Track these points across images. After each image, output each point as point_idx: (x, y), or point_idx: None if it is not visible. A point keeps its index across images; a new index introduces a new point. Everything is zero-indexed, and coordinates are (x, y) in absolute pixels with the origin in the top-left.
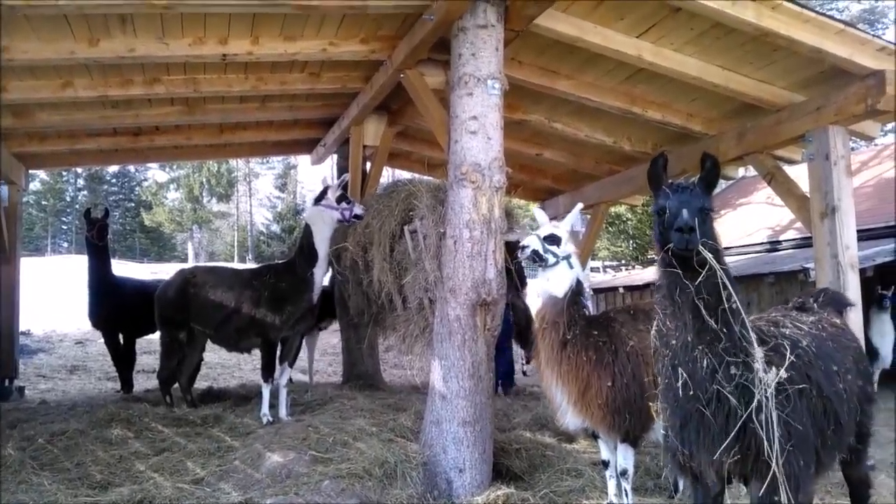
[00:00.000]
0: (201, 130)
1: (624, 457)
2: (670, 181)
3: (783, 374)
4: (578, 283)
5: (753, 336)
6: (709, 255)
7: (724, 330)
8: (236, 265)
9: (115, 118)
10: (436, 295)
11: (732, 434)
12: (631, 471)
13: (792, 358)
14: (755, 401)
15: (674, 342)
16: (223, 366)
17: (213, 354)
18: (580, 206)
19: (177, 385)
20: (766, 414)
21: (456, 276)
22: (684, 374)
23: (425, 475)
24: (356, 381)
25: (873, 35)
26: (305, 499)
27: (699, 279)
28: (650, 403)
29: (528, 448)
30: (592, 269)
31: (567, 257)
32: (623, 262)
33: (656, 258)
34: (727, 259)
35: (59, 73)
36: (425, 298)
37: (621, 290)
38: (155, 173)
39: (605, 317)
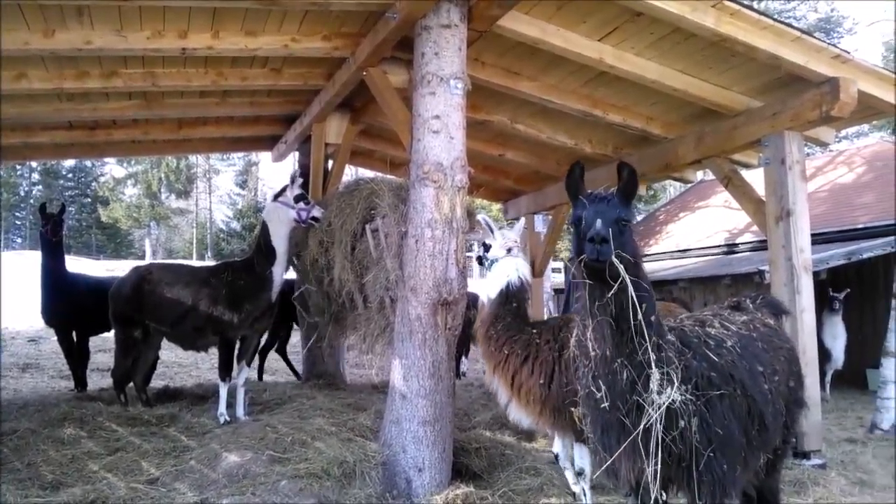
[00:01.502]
0: (159, 125)
1: (580, 456)
2: (589, 191)
3: (677, 396)
4: (510, 284)
5: (653, 357)
6: (621, 267)
7: (642, 342)
8: (195, 263)
9: (71, 111)
10: (397, 294)
11: (652, 443)
12: (588, 470)
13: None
14: (647, 415)
15: (593, 353)
16: (180, 364)
17: (170, 353)
18: (522, 221)
19: (132, 384)
20: (655, 433)
21: (417, 276)
22: (604, 386)
23: (384, 474)
24: (316, 380)
25: (829, 43)
26: (262, 499)
27: (612, 291)
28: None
29: (488, 447)
30: (554, 270)
31: (493, 261)
32: None
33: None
34: (690, 261)
35: (13, 64)
36: (386, 297)
37: None
38: (112, 168)
39: (565, 319)
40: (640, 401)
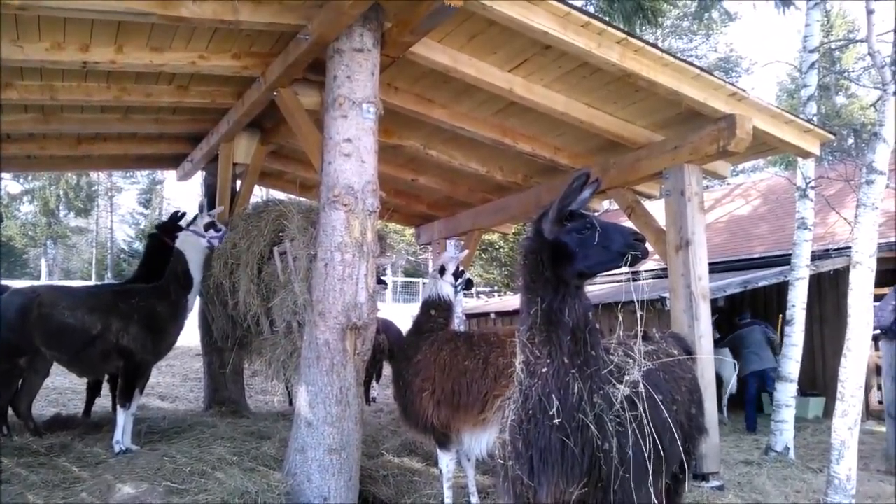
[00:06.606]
0: (58, 140)
1: (440, 456)
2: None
3: (637, 375)
4: (427, 297)
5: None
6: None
7: (593, 353)
8: (91, 284)
9: None
10: (305, 318)
11: (586, 464)
12: (446, 471)
13: (637, 377)
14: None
15: (544, 369)
16: (74, 391)
17: (64, 379)
18: (450, 244)
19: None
20: (613, 439)
21: (326, 300)
22: (557, 402)
23: None
24: (219, 407)
25: (727, 81)
26: None
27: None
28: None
29: (396, 474)
30: (466, 295)
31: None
32: (496, 288)
33: (534, 284)
34: (595, 287)
35: None
36: (294, 322)
37: (493, 315)
38: (7, 184)
39: (445, 334)
40: (585, 419)
